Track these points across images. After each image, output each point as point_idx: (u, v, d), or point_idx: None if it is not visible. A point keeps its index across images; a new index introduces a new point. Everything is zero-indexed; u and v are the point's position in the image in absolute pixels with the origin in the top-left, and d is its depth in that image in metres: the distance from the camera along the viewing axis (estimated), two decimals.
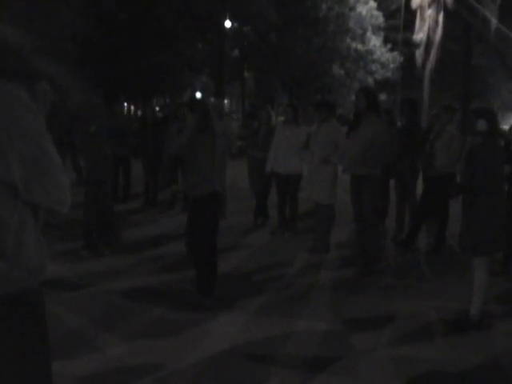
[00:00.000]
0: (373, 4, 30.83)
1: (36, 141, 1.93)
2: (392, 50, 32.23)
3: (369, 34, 30.78)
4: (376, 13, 30.96)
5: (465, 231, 5.04)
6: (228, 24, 28.95)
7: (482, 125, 4.97)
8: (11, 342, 1.98)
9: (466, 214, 5.04)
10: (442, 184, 7.35)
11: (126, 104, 38.00)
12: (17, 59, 16.43)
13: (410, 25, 32.71)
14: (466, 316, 5.07)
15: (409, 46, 33.35)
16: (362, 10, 30.11)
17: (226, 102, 43.49)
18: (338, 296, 5.95)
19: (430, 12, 31.58)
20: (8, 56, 16.71)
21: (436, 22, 31.45)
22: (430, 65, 31.61)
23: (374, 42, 31.01)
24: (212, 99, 29.67)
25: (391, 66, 31.91)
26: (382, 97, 33.89)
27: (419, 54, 32.22)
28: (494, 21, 28.45)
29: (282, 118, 10.97)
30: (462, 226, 5.09)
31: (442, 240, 7.77)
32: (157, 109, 25.18)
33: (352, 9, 29.95)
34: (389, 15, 33.51)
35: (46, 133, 1.98)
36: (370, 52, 30.86)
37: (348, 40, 30.12)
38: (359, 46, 30.27)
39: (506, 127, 11.88)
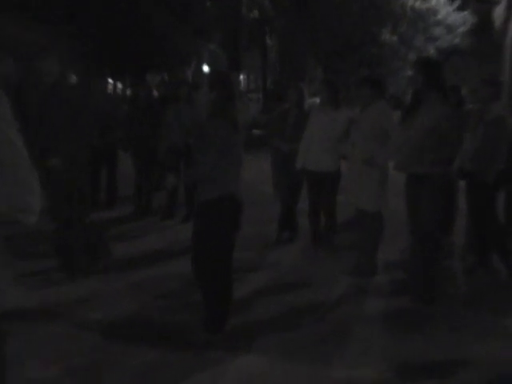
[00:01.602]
0: None
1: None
2: (461, 8, 32.04)
3: None
4: None
5: None
6: None
7: None
8: None
9: None
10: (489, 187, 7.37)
11: (110, 80, 38.22)
12: None
13: None
14: None
15: (484, 3, 33.09)
16: None
17: (241, 77, 43.56)
18: (388, 333, 5.93)
19: None
20: None
21: None
22: None
23: None
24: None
25: (460, 29, 31.72)
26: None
27: (498, 13, 31.93)
28: None
29: (315, 100, 10.95)
30: None
31: None
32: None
33: None
34: None
35: (10, 120, 1.98)
36: (431, 11, 30.72)
37: None
38: (417, 3, 30.16)
39: None
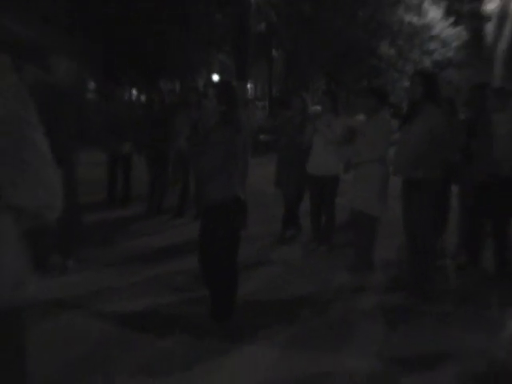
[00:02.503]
0: None
1: (21, 132, 1.94)
2: (455, 24, 32.06)
3: (426, 4, 30.69)
4: None
5: None
6: None
7: None
8: None
9: None
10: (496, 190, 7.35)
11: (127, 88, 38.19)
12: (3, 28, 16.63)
13: None
14: None
15: (477, 20, 33.08)
16: None
17: (249, 86, 43.56)
18: (384, 327, 5.92)
19: None
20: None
21: None
22: (503, 43, 31.29)
23: (433, 14, 30.93)
24: (233, 82, 29.74)
25: (454, 43, 31.75)
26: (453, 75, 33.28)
27: (490, 28, 31.90)
28: None
29: (317, 108, 10.96)
30: None
31: (505, 258, 7.65)
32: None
33: None
34: None
35: (35, 122, 1.99)
36: (427, 27, 30.77)
37: (400, 12, 30.06)
38: (414, 20, 30.19)
39: None
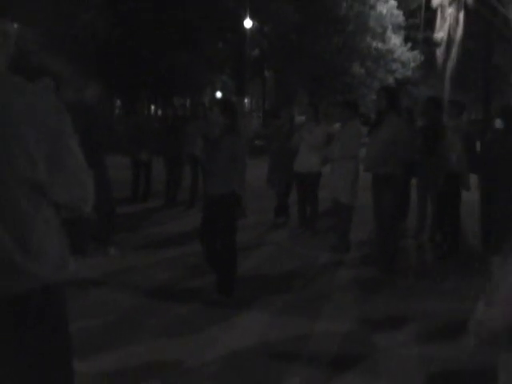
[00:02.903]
0: (393, 3, 30.75)
1: (61, 141, 1.96)
2: (412, 48, 32.10)
3: (389, 32, 30.69)
4: (396, 11, 30.87)
5: (487, 231, 5.05)
6: (248, 24, 28.99)
7: (498, 124, 5.01)
8: (32, 337, 2.00)
9: (486, 212, 5.05)
10: (451, 183, 7.34)
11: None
12: (36, 59, 16.57)
13: (430, 23, 32.44)
14: None
15: (429, 45, 33.08)
16: (382, 8, 30.06)
17: (246, 100, 43.52)
18: (358, 295, 5.93)
19: (450, 10, 31.22)
20: (27, 56, 16.85)
21: (457, 20, 31.08)
22: (450, 63, 31.27)
23: (395, 40, 30.93)
24: (233, 98, 29.72)
25: (412, 64, 31.78)
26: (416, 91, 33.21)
27: (440, 52, 31.87)
28: None
29: (302, 118, 10.97)
30: (483, 226, 5.10)
31: (457, 239, 7.65)
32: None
33: (372, 7, 29.91)
34: (409, 14, 33.37)
35: (71, 132, 2.00)
36: (390, 51, 30.78)
37: (368, 39, 30.05)
38: (379, 45, 30.20)
39: None
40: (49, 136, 1.91)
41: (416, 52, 31.96)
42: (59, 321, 2.11)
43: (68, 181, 1.98)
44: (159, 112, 37.34)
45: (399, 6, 31.23)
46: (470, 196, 8.03)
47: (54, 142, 1.93)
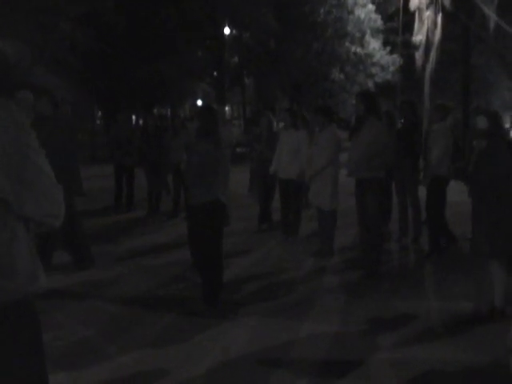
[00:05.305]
0: (371, 7, 30.94)
1: (28, 156, 1.96)
2: (391, 52, 32.31)
3: (368, 37, 30.88)
4: (374, 16, 31.06)
5: (478, 235, 5.13)
6: (227, 31, 29.08)
7: (482, 121, 5.05)
8: (5, 351, 2.00)
9: (479, 217, 5.12)
10: (436, 186, 7.42)
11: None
12: (15, 72, 16.44)
13: (408, 27, 32.68)
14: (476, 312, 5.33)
15: (408, 48, 33.29)
16: (360, 13, 30.23)
17: (226, 108, 43.57)
18: (343, 299, 5.96)
19: (428, 13, 31.47)
20: (5, 69, 16.72)
21: (435, 23, 31.34)
22: (429, 66, 31.49)
23: (373, 44, 31.12)
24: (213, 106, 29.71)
25: (391, 68, 31.99)
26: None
27: (419, 55, 32.08)
28: (492, 19, 28.45)
29: (282, 124, 11.02)
30: (475, 230, 5.18)
31: (438, 241, 7.71)
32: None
33: (350, 12, 30.07)
34: (387, 18, 33.58)
35: (38, 148, 2.02)
36: (369, 55, 30.96)
37: (347, 44, 30.22)
38: (358, 50, 30.37)
39: (507, 125, 12.02)
40: (14, 152, 1.92)
41: (395, 56, 32.14)
42: (32, 334, 2.11)
43: (36, 196, 1.98)
44: (140, 122, 37.23)
45: (377, 10, 31.42)
46: (457, 197, 8.15)
47: (17, 157, 1.93)
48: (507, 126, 32.21)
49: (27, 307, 2.08)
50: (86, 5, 18.91)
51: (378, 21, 31.25)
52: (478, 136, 5.18)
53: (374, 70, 31.38)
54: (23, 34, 16.70)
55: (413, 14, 32.42)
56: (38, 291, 2.09)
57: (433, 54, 31.34)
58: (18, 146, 1.95)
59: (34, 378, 2.14)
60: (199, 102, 44.86)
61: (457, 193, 8.28)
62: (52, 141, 5.16)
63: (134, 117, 40.48)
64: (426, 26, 31.68)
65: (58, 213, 2.09)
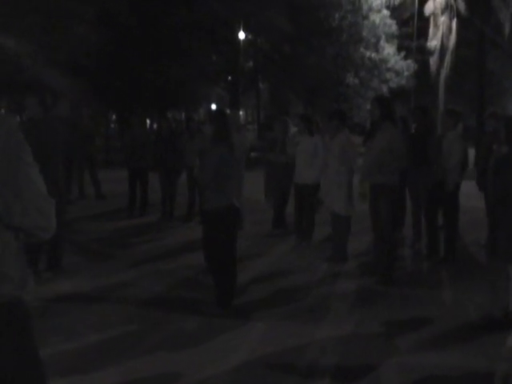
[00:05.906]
0: (386, 12, 30.83)
1: (20, 169, 1.99)
2: (406, 57, 32.19)
3: (382, 42, 30.77)
4: (389, 21, 30.95)
5: (496, 240, 5.09)
6: (242, 36, 29.12)
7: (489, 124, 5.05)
8: None
9: (497, 223, 5.09)
10: (453, 192, 7.39)
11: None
12: (29, 74, 16.57)
13: (423, 32, 32.63)
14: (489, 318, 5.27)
15: (423, 54, 33.26)
16: (375, 18, 30.12)
17: (241, 113, 43.64)
18: (356, 305, 5.96)
19: (443, 19, 31.46)
20: (18, 70, 16.86)
21: (449, 28, 31.32)
22: (444, 71, 31.46)
23: (388, 50, 31.00)
24: (227, 111, 29.78)
25: (405, 73, 31.85)
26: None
27: (433, 60, 32.08)
28: (507, 25, 28.31)
29: (295, 129, 11.02)
30: (493, 235, 5.14)
31: (453, 247, 7.66)
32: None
33: (365, 18, 29.98)
34: (402, 23, 33.46)
35: (30, 161, 2.05)
36: (383, 60, 30.84)
37: (362, 49, 30.14)
38: (373, 55, 30.28)
39: None
40: (6, 164, 1.96)
41: (409, 61, 32.05)
42: (23, 338, 2.14)
43: (25, 208, 2.00)
44: (155, 126, 37.35)
45: (392, 16, 31.32)
46: (472, 203, 8.11)
47: (12, 170, 1.97)
48: None
49: (18, 311, 2.11)
50: (99, 6, 19.05)
51: (392, 26, 31.14)
52: (500, 142, 5.15)
53: (388, 75, 31.26)
54: (38, 37, 16.86)
55: (427, 20, 32.39)
56: (26, 296, 2.12)
57: (447, 60, 31.28)
58: (10, 158, 1.98)
59: (28, 380, 2.16)
60: (213, 106, 45.00)
61: (469, 198, 8.24)
62: (40, 145, 5.12)
63: (148, 121, 40.66)
64: (441, 31, 31.63)
65: (48, 225, 2.11)
